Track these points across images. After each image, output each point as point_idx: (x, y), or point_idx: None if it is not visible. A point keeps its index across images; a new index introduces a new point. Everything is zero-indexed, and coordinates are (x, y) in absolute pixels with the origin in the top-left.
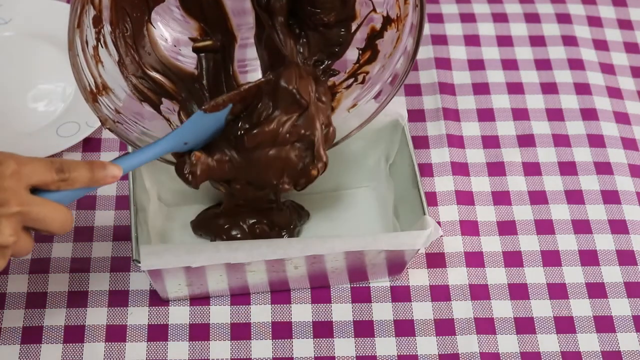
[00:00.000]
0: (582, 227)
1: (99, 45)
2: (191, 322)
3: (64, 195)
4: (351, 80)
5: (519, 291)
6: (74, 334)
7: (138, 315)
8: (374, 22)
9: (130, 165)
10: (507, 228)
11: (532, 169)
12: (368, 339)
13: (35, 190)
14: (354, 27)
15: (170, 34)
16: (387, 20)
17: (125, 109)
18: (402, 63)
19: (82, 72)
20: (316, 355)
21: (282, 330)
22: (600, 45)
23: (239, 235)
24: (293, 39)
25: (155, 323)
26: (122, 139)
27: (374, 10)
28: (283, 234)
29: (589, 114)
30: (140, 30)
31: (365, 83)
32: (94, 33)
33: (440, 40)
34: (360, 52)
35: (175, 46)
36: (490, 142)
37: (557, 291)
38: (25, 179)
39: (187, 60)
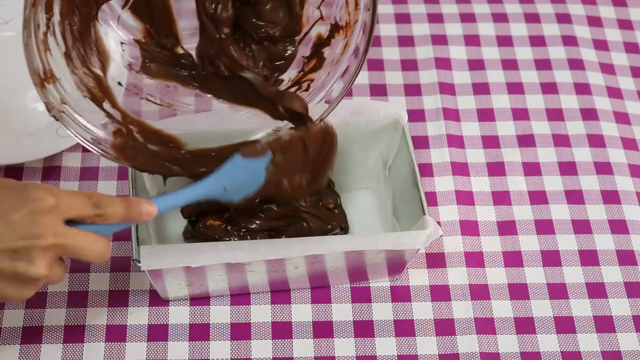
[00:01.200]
0: (582, 227)
1: (49, 33)
2: (191, 322)
3: (98, 229)
4: (294, 88)
5: (519, 291)
6: (74, 334)
7: (138, 315)
8: (320, 30)
9: (166, 206)
10: (507, 228)
11: (532, 169)
12: (368, 339)
13: (70, 222)
14: (298, 39)
15: (116, 34)
16: (335, 28)
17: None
18: (352, 65)
19: (34, 54)
20: (316, 355)
21: (282, 330)
22: (600, 45)
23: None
24: (240, 51)
25: (155, 323)
26: (66, 128)
27: (322, 18)
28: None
29: (589, 114)
30: (88, 26)
31: (309, 90)
32: (44, 19)
33: (440, 40)
34: (305, 59)
35: (120, 46)
36: (490, 142)
37: (557, 291)
38: (62, 213)
39: (132, 62)
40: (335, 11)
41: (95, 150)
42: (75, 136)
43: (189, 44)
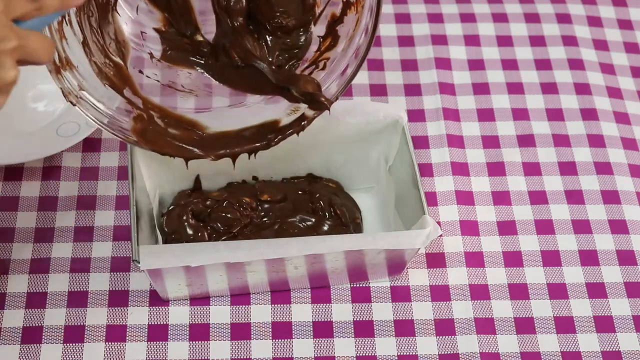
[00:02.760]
0: (582, 227)
1: (64, 22)
2: (191, 322)
3: (36, 22)
4: (312, 67)
5: (519, 291)
6: (74, 334)
7: (138, 315)
8: (333, 8)
9: None
10: (507, 228)
11: (532, 169)
12: (368, 339)
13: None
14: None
15: (134, 23)
16: (346, 5)
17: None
18: (363, 42)
19: None
20: (316, 355)
21: (282, 330)
22: (600, 45)
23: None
24: (253, 41)
25: (155, 323)
26: (84, 113)
27: None
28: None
29: (589, 114)
30: (105, 16)
31: (326, 69)
32: None
33: (440, 40)
34: (321, 39)
35: (139, 36)
36: (490, 142)
37: (557, 291)
38: (9, 13)
39: (152, 51)
40: None
41: (115, 135)
42: (94, 121)
43: (209, 32)
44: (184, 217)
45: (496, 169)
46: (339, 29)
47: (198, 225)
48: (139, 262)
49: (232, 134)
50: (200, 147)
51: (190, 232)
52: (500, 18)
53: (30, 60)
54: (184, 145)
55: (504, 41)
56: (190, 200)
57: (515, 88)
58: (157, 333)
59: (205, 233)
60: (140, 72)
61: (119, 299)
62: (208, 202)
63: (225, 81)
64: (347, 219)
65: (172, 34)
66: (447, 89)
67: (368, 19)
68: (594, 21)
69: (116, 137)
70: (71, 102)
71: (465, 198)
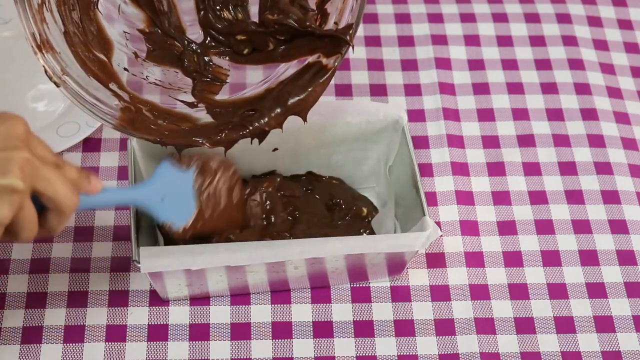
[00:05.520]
0: (582, 227)
1: (44, 7)
2: (191, 322)
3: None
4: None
5: (519, 291)
6: (74, 334)
7: (138, 315)
8: None
9: (106, 196)
10: (507, 228)
11: (532, 169)
12: (368, 339)
13: None
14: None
15: (117, 22)
16: None
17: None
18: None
19: (28, 20)
20: (316, 355)
21: (282, 330)
22: (600, 45)
23: None
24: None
25: (155, 323)
26: (69, 97)
27: None
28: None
29: (589, 114)
30: (87, 13)
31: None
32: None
33: (440, 40)
34: None
35: (122, 35)
36: (490, 142)
37: (557, 291)
38: (30, 145)
39: (137, 50)
40: None
41: (104, 122)
42: (79, 106)
43: (193, 33)
44: None
45: (496, 169)
46: (327, 7)
47: None
48: (139, 263)
49: (225, 113)
50: (196, 135)
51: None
52: (500, 18)
53: (46, 193)
54: (179, 132)
55: (504, 41)
56: None
57: (515, 88)
58: (157, 333)
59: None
60: (126, 69)
61: (119, 299)
62: None
63: (240, 61)
64: (366, 213)
65: (155, 34)
66: (447, 89)
67: None
68: (594, 21)
69: (104, 124)
70: (55, 83)
71: (465, 198)
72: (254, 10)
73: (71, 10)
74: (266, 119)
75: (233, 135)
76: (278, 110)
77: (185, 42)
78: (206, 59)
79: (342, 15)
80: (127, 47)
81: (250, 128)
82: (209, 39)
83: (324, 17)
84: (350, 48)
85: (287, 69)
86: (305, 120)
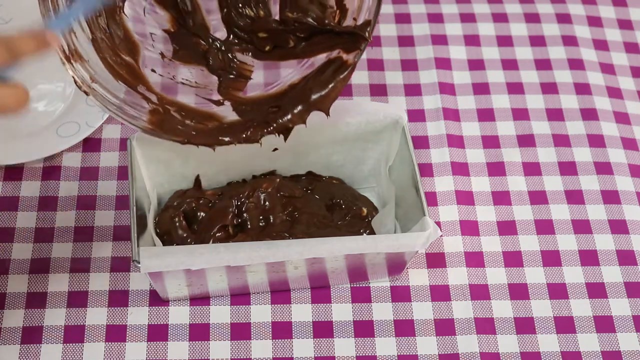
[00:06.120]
0: (582, 227)
1: (71, 16)
2: (191, 322)
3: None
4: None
5: (519, 291)
6: (74, 334)
7: (138, 315)
8: None
9: (63, 22)
10: (507, 228)
11: (532, 169)
12: (368, 339)
13: None
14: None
15: (142, 23)
16: None
17: None
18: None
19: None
20: (316, 355)
21: (282, 330)
22: (600, 45)
23: None
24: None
25: (155, 323)
26: (98, 104)
27: None
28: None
29: (589, 114)
30: (113, 17)
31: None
32: (65, 1)
33: (440, 40)
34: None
35: (148, 36)
36: (490, 142)
37: (557, 291)
38: None
39: (164, 50)
40: None
41: (132, 125)
42: (108, 111)
43: (217, 32)
44: (175, 219)
45: (496, 169)
46: (346, 2)
47: (189, 226)
48: (139, 263)
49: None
50: (222, 133)
51: (181, 233)
52: (500, 18)
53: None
54: (206, 132)
55: (504, 41)
56: (183, 200)
57: (515, 88)
58: (157, 333)
59: (194, 235)
60: (153, 71)
61: (119, 299)
62: (201, 201)
63: (262, 58)
64: (366, 213)
65: (180, 34)
66: (447, 89)
67: None
68: (594, 21)
69: (132, 127)
70: (84, 92)
71: (465, 198)
72: (275, 8)
73: (98, 16)
74: (289, 116)
75: (258, 133)
76: (300, 106)
77: (210, 40)
78: (230, 55)
79: (360, 11)
80: (153, 48)
81: (275, 125)
82: (232, 36)
83: (343, 12)
84: (370, 42)
85: (305, 68)
86: (328, 115)
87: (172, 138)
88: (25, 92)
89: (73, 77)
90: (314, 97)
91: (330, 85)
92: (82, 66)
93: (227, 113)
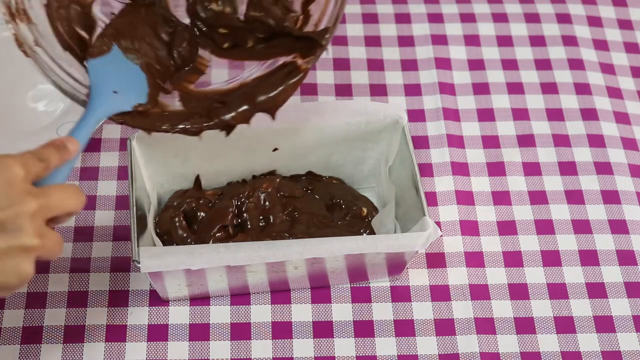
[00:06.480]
0: (582, 227)
1: None
2: (191, 322)
3: (54, 177)
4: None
5: (519, 291)
6: (74, 334)
7: (138, 315)
8: None
9: (83, 134)
10: (507, 228)
11: (532, 169)
12: (368, 339)
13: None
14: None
15: (103, 2)
16: None
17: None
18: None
19: None
20: (316, 355)
21: (282, 330)
22: (600, 45)
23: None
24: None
25: (155, 323)
26: (38, 66)
27: None
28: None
29: (589, 114)
30: None
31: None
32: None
33: (440, 40)
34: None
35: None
36: (490, 142)
37: (557, 291)
38: (29, 176)
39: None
40: None
41: (72, 98)
42: (48, 79)
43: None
44: (175, 219)
45: (496, 169)
46: (310, 8)
47: (189, 226)
48: (139, 263)
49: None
50: (161, 120)
51: (181, 233)
52: (500, 18)
53: (60, 213)
54: (144, 115)
55: (504, 41)
56: (183, 200)
57: (515, 88)
58: (157, 333)
59: (194, 235)
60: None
61: (119, 299)
62: (201, 201)
63: (220, 54)
64: (366, 213)
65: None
66: (447, 89)
67: None
68: (594, 21)
69: (70, 98)
70: (23, 52)
71: (465, 198)
72: (242, 9)
73: None
74: (233, 114)
75: (197, 125)
76: (246, 106)
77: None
78: (191, 48)
79: (322, 17)
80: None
81: (216, 120)
82: (194, 29)
83: (306, 18)
84: (325, 50)
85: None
86: (273, 118)
87: (112, 117)
88: (76, 188)
89: (14, 34)
90: (260, 98)
91: (279, 88)
92: (28, 27)
93: (172, 102)
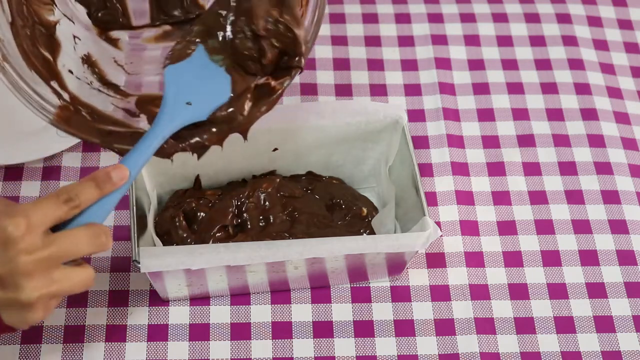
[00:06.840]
0: (582, 227)
1: None
2: (191, 322)
3: (89, 216)
4: None
5: (519, 291)
6: (74, 334)
7: (138, 315)
8: None
9: (137, 161)
10: (507, 228)
11: (532, 169)
12: (368, 339)
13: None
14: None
15: (69, 25)
16: None
17: None
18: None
19: None
20: (316, 355)
21: (282, 330)
22: (600, 45)
23: None
24: None
25: (155, 323)
26: (6, 82)
27: None
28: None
29: (589, 114)
30: (38, 10)
31: None
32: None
33: (440, 40)
34: None
35: (73, 39)
36: (490, 142)
37: (557, 291)
38: (39, 227)
39: (85, 55)
40: None
41: (40, 116)
42: (17, 94)
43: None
44: (175, 219)
45: (496, 169)
46: None
47: (189, 226)
48: (139, 263)
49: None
50: (136, 140)
51: (181, 233)
52: (500, 18)
53: (75, 256)
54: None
55: (504, 41)
56: (183, 200)
57: (515, 88)
58: (157, 333)
59: (194, 235)
60: (70, 72)
61: (119, 299)
62: (201, 201)
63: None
64: (366, 213)
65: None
66: (447, 89)
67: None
68: (594, 21)
69: (39, 116)
70: None
71: (465, 198)
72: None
73: (22, 3)
74: (206, 135)
75: (172, 147)
76: (219, 127)
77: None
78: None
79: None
80: (74, 52)
81: (190, 142)
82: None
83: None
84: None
85: None
86: (245, 139)
87: (81, 135)
88: (100, 235)
89: None
90: (237, 119)
91: (252, 109)
92: None
93: (142, 125)
